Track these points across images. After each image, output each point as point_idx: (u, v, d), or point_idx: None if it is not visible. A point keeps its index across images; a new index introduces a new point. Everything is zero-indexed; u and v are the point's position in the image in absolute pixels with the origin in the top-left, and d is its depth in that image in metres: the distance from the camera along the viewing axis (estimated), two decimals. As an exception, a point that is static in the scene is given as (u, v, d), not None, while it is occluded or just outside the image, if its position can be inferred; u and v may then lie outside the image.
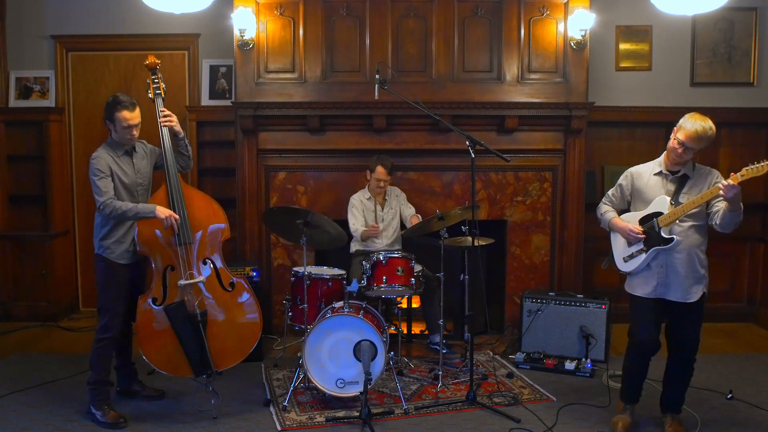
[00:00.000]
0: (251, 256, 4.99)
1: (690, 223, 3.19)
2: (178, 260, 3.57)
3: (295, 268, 4.17)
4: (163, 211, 3.47)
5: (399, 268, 4.03)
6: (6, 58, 5.46)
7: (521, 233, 5.09)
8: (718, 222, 3.12)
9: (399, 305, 4.45)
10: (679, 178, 3.23)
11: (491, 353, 4.66)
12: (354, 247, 4.68)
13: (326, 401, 3.75)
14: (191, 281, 3.58)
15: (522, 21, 4.88)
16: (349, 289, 3.82)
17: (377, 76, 3.88)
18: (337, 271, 4.17)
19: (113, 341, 3.56)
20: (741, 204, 3.02)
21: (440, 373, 4.07)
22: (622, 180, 3.43)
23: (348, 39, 4.89)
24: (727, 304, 5.52)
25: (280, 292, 4.95)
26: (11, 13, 5.45)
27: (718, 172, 3.23)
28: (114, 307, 3.52)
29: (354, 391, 3.63)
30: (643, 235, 3.24)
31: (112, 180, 3.47)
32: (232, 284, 3.74)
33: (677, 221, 3.16)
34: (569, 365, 4.27)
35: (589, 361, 4.27)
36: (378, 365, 3.60)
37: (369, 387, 3.45)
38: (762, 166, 2.91)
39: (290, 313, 4.08)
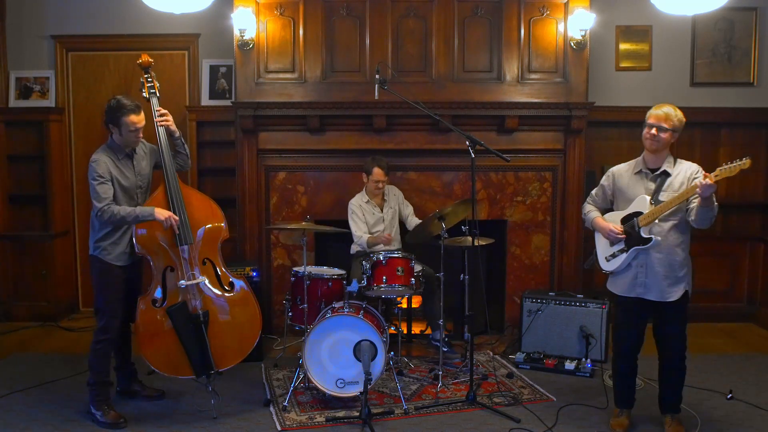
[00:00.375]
0: (251, 256, 4.99)
1: (671, 222, 3.21)
2: (179, 261, 3.57)
3: (295, 268, 4.17)
4: (162, 213, 3.46)
5: (399, 268, 4.03)
6: (6, 58, 5.46)
7: (521, 233, 5.10)
8: (693, 218, 3.14)
9: (399, 305, 4.45)
10: (658, 176, 3.25)
11: (491, 353, 4.66)
12: (355, 248, 4.68)
13: (326, 401, 3.75)
14: (193, 282, 3.57)
15: (522, 21, 4.88)
16: (349, 289, 3.82)
17: (377, 76, 3.88)
18: (337, 271, 4.17)
19: (112, 342, 3.56)
20: (714, 200, 3.05)
21: (440, 373, 4.07)
22: (604, 180, 3.48)
23: (348, 39, 4.89)
24: (727, 304, 5.52)
25: (280, 292, 4.95)
26: (11, 13, 5.45)
27: (698, 167, 3.23)
28: (112, 309, 3.51)
29: (354, 391, 3.63)
30: (623, 235, 3.27)
31: (112, 184, 3.44)
32: (231, 284, 3.74)
33: (658, 221, 3.18)
34: (569, 365, 4.27)
35: (589, 361, 4.27)
36: (378, 365, 3.60)
37: (369, 387, 3.45)
38: (735, 166, 2.95)
39: (290, 313, 4.08)
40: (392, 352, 4.19)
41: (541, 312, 4.54)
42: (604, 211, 3.48)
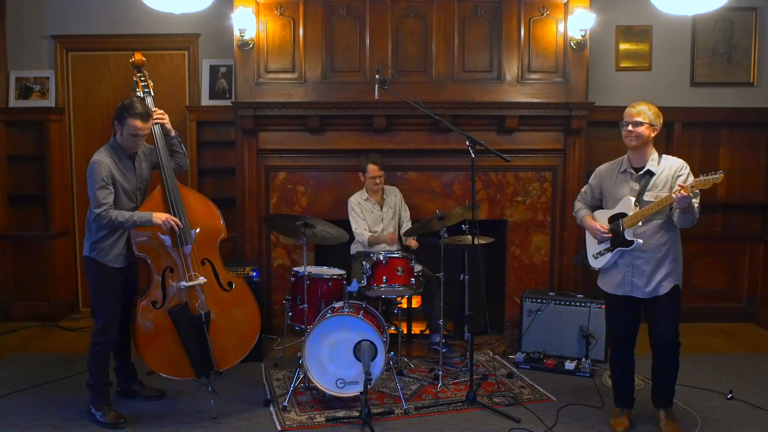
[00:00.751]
0: (251, 256, 4.99)
1: (656, 221, 3.24)
2: (179, 262, 3.56)
3: (295, 268, 4.17)
4: (159, 216, 3.44)
5: (399, 268, 4.03)
6: (6, 58, 5.46)
7: (521, 233, 5.10)
8: (675, 219, 3.19)
9: (399, 305, 4.46)
10: (642, 176, 3.27)
11: (491, 353, 4.66)
12: (355, 248, 4.68)
13: (326, 401, 3.75)
14: (193, 282, 3.57)
15: (522, 21, 4.88)
16: (349, 289, 3.82)
17: (377, 76, 3.87)
18: (337, 271, 4.17)
19: (110, 344, 3.55)
20: (694, 205, 3.10)
21: (440, 373, 4.07)
22: (592, 179, 3.53)
23: (348, 39, 4.89)
24: (727, 304, 5.52)
25: (280, 292, 4.95)
26: (11, 13, 5.45)
27: (682, 163, 3.26)
28: (109, 311, 3.49)
29: (354, 391, 3.63)
30: (609, 235, 3.31)
31: (114, 187, 3.41)
32: (230, 284, 3.74)
33: (642, 222, 3.22)
34: (569, 365, 4.27)
35: (589, 361, 4.27)
36: (378, 365, 3.60)
37: (369, 387, 3.45)
38: (709, 179, 2.99)
39: (290, 313, 4.08)
40: (392, 352, 4.19)
41: (541, 312, 4.54)
42: (594, 209, 3.52)
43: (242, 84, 4.86)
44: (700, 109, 5.38)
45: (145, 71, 3.73)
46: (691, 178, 3.14)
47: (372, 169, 4.53)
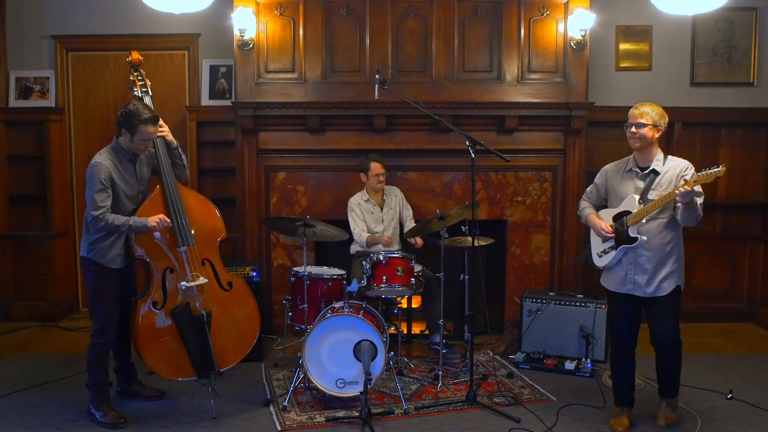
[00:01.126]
0: (251, 256, 4.99)
1: (660, 220, 3.26)
2: (180, 262, 3.56)
3: (295, 268, 4.17)
4: (153, 220, 3.43)
5: (399, 268, 4.03)
6: (6, 58, 5.46)
7: (521, 233, 5.10)
8: (679, 218, 3.21)
9: (399, 305, 4.46)
10: (647, 175, 3.30)
11: (491, 353, 4.66)
12: (355, 248, 4.68)
13: (326, 401, 3.75)
14: (195, 283, 3.56)
15: (522, 21, 4.88)
16: (349, 289, 3.82)
17: (377, 76, 3.87)
18: (337, 271, 4.18)
19: (109, 345, 3.55)
20: (697, 202, 3.11)
21: (440, 373, 4.07)
22: (597, 178, 3.56)
23: (348, 39, 4.89)
24: (727, 304, 5.53)
25: (280, 292, 4.95)
26: (11, 13, 5.45)
27: (687, 164, 3.28)
28: (108, 311, 3.48)
29: (354, 391, 3.63)
30: (612, 234, 3.34)
31: (114, 190, 3.40)
32: (230, 284, 3.74)
33: (646, 219, 3.23)
34: (569, 365, 4.27)
35: (589, 361, 4.27)
36: (378, 365, 3.60)
37: (369, 387, 3.45)
38: (711, 173, 3.01)
39: (290, 313, 4.08)
40: (392, 352, 4.19)
41: (541, 312, 4.54)
42: (599, 208, 3.54)
43: (242, 84, 4.87)
44: (700, 109, 5.38)
45: (142, 70, 3.72)
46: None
47: (375, 166, 4.54)
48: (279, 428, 3.46)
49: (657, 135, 3.26)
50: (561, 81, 4.94)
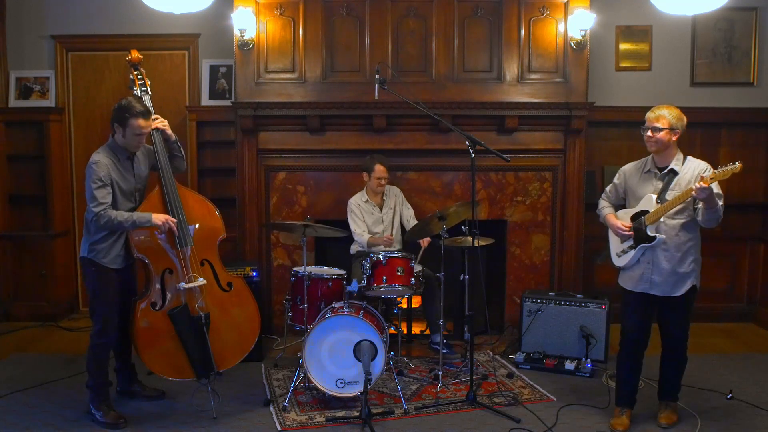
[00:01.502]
0: (251, 256, 4.99)
1: (678, 221, 3.27)
2: (178, 263, 3.55)
3: (295, 268, 4.17)
4: (159, 217, 3.43)
5: (399, 268, 4.03)
6: (6, 58, 5.46)
7: (521, 233, 5.09)
8: (700, 218, 3.22)
9: (399, 305, 4.45)
10: (666, 175, 3.31)
11: (491, 353, 4.66)
12: (355, 248, 4.68)
13: (326, 401, 3.75)
14: (193, 284, 3.56)
15: (522, 21, 4.88)
16: (349, 289, 3.82)
17: (377, 76, 3.88)
18: (337, 271, 4.17)
19: (109, 345, 3.55)
20: (717, 201, 3.12)
21: (440, 373, 4.06)
22: (616, 178, 3.57)
23: (348, 39, 4.89)
24: (727, 304, 5.52)
25: (280, 292, 4.95)
26: (11, 13, 5.45)
27: (706, 165, 3.28)
28: (108, 312, 3.48)
29: (354, 391, 3.63)
30: (630, 233, 3.35)
31: (111, 187, 3.40)
32: (230, 284, 3.74)
33: (666, 219, 3.25)
34: (569, 365, 4.27)
35: (589, 361, 4.27)
36: (378, 365, 3.60)
37: (369, 387, 3.45)
38: (727, 170, 3.01)
39: (290, 313, 4.08)
40: (392, 352, 4.19)
41: (541, 312, 4.54)
42: (618, 208, 3.55)
43: (242, 84, 4.86)
44: (700, 109, 5.38)
45: (141, 69, 3.71)
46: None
47: (379, 169, 4.54)
48: (279, 428, 3.46)
49: (674, 138, 3.27)
50: (561, 81, 4.94)
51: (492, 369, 4.31)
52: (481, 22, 4.90)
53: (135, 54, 3.69)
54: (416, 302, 4.91)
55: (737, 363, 4.48)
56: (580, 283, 5.07)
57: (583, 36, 4.86)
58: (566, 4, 4.88)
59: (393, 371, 3.99)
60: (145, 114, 3.41)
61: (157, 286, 3.55)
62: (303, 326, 3.89)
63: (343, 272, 4.17)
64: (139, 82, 3.67)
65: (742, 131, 5.54)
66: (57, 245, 5.47)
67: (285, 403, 3.69)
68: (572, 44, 4.89)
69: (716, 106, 5.43)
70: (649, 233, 3.27)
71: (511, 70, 4.92)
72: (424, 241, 4.52)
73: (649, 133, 3.27)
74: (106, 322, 3.47)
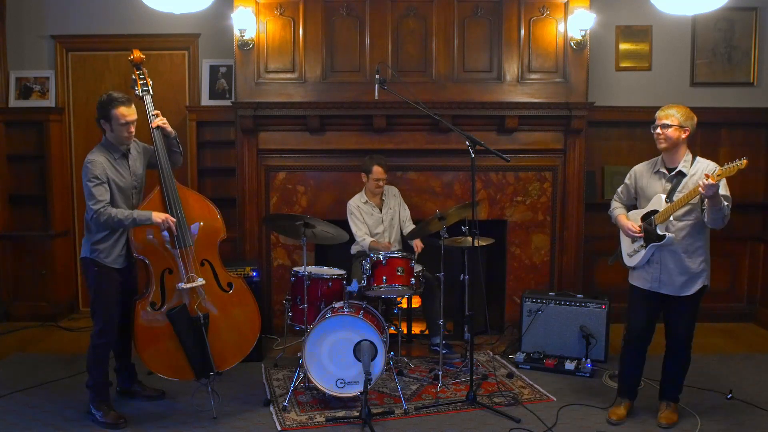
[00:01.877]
0: (251, 256, 4.99)
1: (687, 222, 3.30)
2: (178, 263, 3.55)
3: (295, 268, 4.17)
4: (159, 216, 3.43)
5: (399, 268, 4.03)
6: (6, 58, 5.46)
7: (521, 233, 5.09)
8: (706, 219, 3.24)
9: (399, 305, 4.45)
10: (675, 176, 3.33)
11: (491, 353, 4.66)
12: (355, 248, 4.67)
13: (326, 401, 3.75)
14: (192, 284, 3.56)
15: (522, 21, 4.88)
16: (349, 289, 3.82)
17: (377, 76, 3.87)
18: (337, 271, 4.17)
19: (110, 345, 3.54)
20: (722, 200, 3.14)
21: (440, 373, 4.07)
22: (627, 179, 3.60)
23: (348, 39, 4.89)
24: (727, 304, 5.52)
25: (280, 292, 4.95)
26: (11, 13, 5.45)
27: (715, 165, 3.29)
28: (108, 312, 3.47)
29: (354, 391, 3.63)
30: (640, 233, 3.37)
31: (108, 185, 3.40)
32: (229, 284, 3.73)
33: (675, 221, 3.27)
34: (569, 365, 4.27)
35: (589, 361, 4.27)
36: (378, 365, 3.60)
37: (369, 387, 3.45)
38: (733, 166, 3.05)
39: (290, 313, 4.08)
40: (392, 352, 4.19)
41: (541, 312, 4.54)
42: (630, 208, 3.58)
43: (242, 84, 4.86)
44: (700, 109, 5.29)
45: (144, 69, 3.70)
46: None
47: (377, 170, 4.53)
48: (279, 428, 3.46)
49: (684, 136, 3.29)
50: (561, 81, 4.94)
51: (492, 369, 4.31)
52: (481, 22, 4.90)
53: (137, 54, 3.68)
54: (416, 302, 4.91)
55: (737, 363, 4.48)
56: (580, 283, 5.07)
57: (583, 36, 4.86)
58: (566, 4, 4.88)
59: (393, 371, 3.99)
60: (125, 101, 3.40)
61: (157, 286, 3.54)
62: (303, 326, 3.89)
63: (343, 272, 4.17)
64: (141, 82, 3.66)
65: (742, 131, 5.54)
66: (57, 245, 5.47)
67: (285, 403, 3.69)
68: (572, 44, 4.89)
69: (716, 106, 5.43)
70: (659, 232, 3.29)
71: (511, 70, 4.92)
72: (418, 246, 4.51)
73: (658, 130, 3.29)
74: (106, 323, 3.47)
